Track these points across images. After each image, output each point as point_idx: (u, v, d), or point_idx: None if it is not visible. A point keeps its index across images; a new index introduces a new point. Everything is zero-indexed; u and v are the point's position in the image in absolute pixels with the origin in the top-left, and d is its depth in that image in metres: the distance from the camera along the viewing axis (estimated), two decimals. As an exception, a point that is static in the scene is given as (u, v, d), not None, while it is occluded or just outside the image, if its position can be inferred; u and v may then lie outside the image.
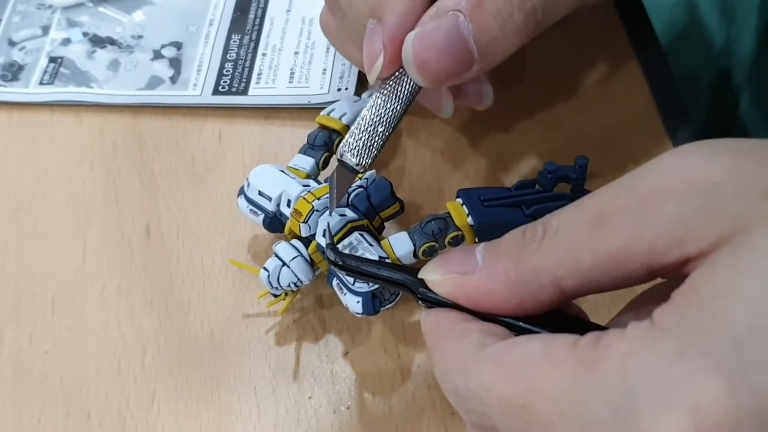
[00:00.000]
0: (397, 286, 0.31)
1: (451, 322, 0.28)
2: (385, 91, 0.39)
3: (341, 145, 0.39)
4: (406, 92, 0.38)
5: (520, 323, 0.27)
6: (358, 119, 0.39)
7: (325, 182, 0.44)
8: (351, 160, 0.39)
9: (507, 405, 0.25)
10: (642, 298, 0.29)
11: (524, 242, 0.27)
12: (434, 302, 0.29)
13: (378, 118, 0.39)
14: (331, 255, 0.33)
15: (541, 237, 0.27)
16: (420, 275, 0.30)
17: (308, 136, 0.47)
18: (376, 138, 0.39)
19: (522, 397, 0.25)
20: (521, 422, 0.25)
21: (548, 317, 0.27)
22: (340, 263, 0.33)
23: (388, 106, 0.38)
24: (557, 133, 0.51)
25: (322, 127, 0.47)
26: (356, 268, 0.32)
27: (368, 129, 0.39)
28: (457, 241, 0.42)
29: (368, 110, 0.39)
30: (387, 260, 0.40)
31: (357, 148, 0.39)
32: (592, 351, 0.24)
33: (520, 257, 0.27)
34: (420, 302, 0.30)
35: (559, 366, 0.24)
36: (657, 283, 0.28)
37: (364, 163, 0.39)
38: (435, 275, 0.29)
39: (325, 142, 0.46)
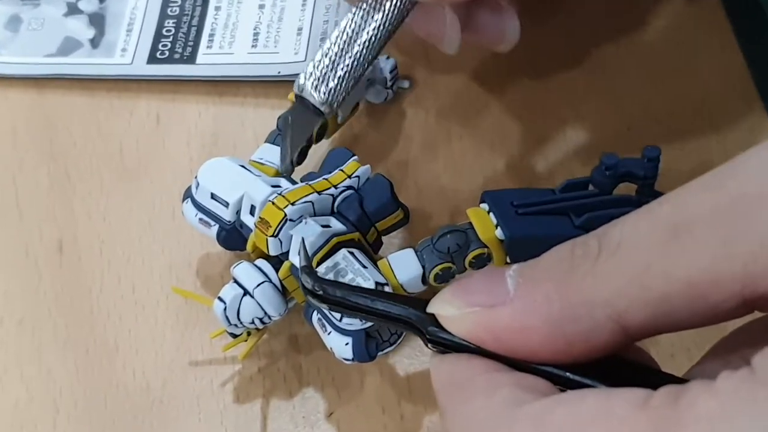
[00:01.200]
0: (398, 324, 0.31)
1: (474, 372, 0.28)
2: (365, 5, 0.38)
3: (301, 76, 0.38)
4: (392, 6, 0.38)
5: (567, 374, 0.27)
6: (327, 43, 0.38)
7: (302, 182, 0.43)
8: (313, 96, 0.38)
9: None
10: (734, 339, 0.29)
11: (573, 262, 0.27)
12: (449, 345, 0.29)
13: (353, 35, 0.38)
14: (307, 282, 0.33)
15: (597, 255, 0.26)
16: (430, 309, 0.29)
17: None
18: (350, 68, 0.38)
19: None
20: None
21: (604, 366, 0.27)
22: (320, 293, 0.32)
23: (368, 25, 0.38)
24: (615, 110, 0.51)
25: (298, 106, 0.47)
26: (342, 300, 0.32)
27: (338, 52, 0.38)
28: (481, 262, 0.41)
29: (340, 31, 0.38)
30: (386, 287, 0.40)
31: (322, 78, 0.38)
32: (670, 412, 0.24)
33: (568, 283, 0.27)
34: (430, 345, 0.30)
35: (625, 431, 0.24)
36: (754, 319, 0.27)
37: (330, 99, 0.38)
38: (450, 308, 0.29)
39: (301, 127, 0.46)
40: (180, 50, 0.54)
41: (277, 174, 0.45)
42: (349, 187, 0.43)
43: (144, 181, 0.50)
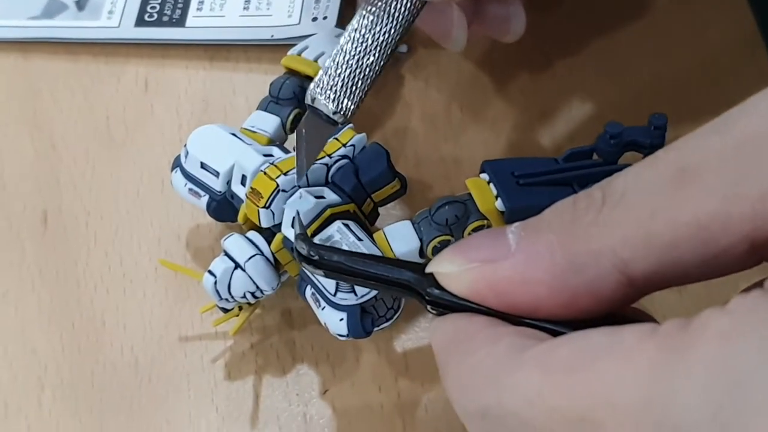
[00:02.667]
0: (397, 289, 0.31)
1: (475, 328, 0.28)
2: (374, 9, 0.38)
3: (312, 85, 0.38)
4: (402, 8, 0.38)
5: (569, 331, 0.27)
6: (337, 49, 0.38)
7: (294, 150, 0.43)
8: (327, 105, 0.38)
9: (560, 420, 0.25)
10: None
11: (576, 214, 0.27)
12: (449, 306, 0.29)
13: (364, 45, 0.38)
14: (302, 248, 0.32)
15: (601, 205, 0.26)
16: (429, 269, 0.29)
17: (271, 85, 0.46)
18: (362, 74, 0.38)
19: (581, 406, 0.24)
20: None
21: (609, 324, 0.26)
22: (315, 259, 0.32)
23: (379, 28, 0.38)
24: (621, 79, 0.50)
25: (291, 72, 0.47)
26: (338, 265, 0.32)
27: (351, 61, 0.38)
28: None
29: (349, 36, 0.38)
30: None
31: (335, 88, 0.38)
32: (680, 335, 0.24)
33: (572, 234, 0.26)
34: (429, 307, 0.30)
35: (634, 358, 0.24)
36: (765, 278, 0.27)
37: (344, 109, 0.38)
38: (450, 266, 0.29)
39: (294, 94, 0.46)
40: (169, 13, 0.53)
41: (270, 142, 0.45)
42: (343, 157, 0.42)
43: (132, 150, 0.50)
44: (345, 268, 0.31)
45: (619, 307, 0.27)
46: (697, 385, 0.23)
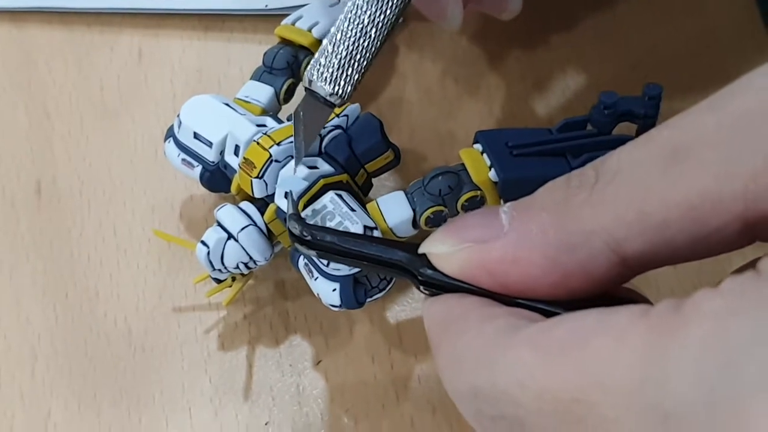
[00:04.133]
0: (389, 269, 0.31)
1: (467, 307, 0.28)
2: None
3: (309, 67, 0.38)
4: None
5: (562, 311, 0.27)
6: (333, 30, 0.38)
7: (288, 120, 0.43)
8: (323, 87, 0.38)
9: (552, 401, 0.25)
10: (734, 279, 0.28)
11: (569, 192, 0.27)
12: (442, 286, 0.29)
13: (360, 27, 0.38)
14: (295, 228, 0.32)
15: (593, 183, 0.26)
16: (422, 249, 0.29)
17: (265, 55, 0.46)
18: (358, 56, 0.38)
19: (573, 387, 0.24)
20: (572, 423, 0.24)
21: (601, 304, 0.26)
22: (308, 239, 0.32)
23: (375, 9, 0.38)
24: (619, 51, 0.50)
25: (285, 42, 0.47)
26: (331, 245, 0.31)
27: (347, 43, 0.38)
28: (474, 205, 0.41)
29: (346, 17, 0.38)
30: (374, 231, 0.39)
31: (331, 70, 0.38)
32: (672, 315, 0.24)
33: (564, 212, 0.26)
34: (421, 288, 0.30)
35: (626, 339, 0.24)
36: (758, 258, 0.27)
37: (341, 91, 0.38)
38: (443, 246, 0.29)
39: (288, 64, 0.46)
40: (163, -18, 0.53)
41: (263, 112, 0.45)
42: (337, 127, 0.42)
43: (125, 120, 0.50)
44: (338, 249, 0.31)
45: (611, 287, 0.27)
46: (690, 366, 0.23)
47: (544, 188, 0.28)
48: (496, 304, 0.28)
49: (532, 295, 0.27)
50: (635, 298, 0.29)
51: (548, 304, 0.27)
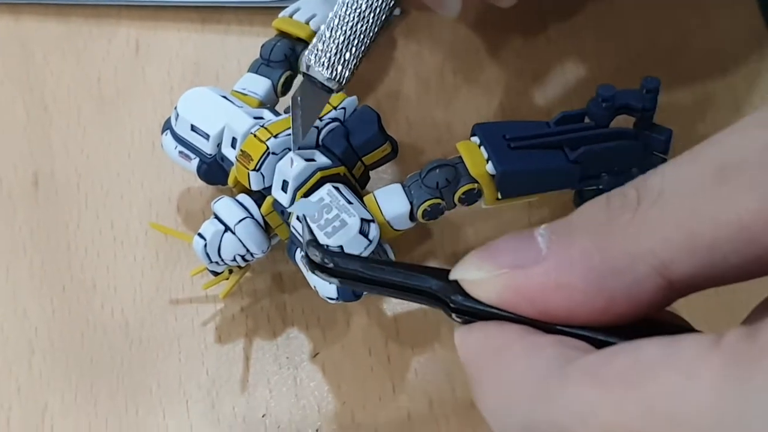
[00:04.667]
0: (419, 297, 0.29)
1: (509, 337, 0.27)
2: None
3: (307, 52, 0.38)
4: None
5: (609, 338, 0.26)
6: (331, 16, 0.38)
7: (286, 113, 0.43)
8: (321, 72, 0.38)
9: None
10: None
11: (610, 213, 0.26)
12: (477, 314, 0.27)
13: (358, 12, 0.38)
14: (315, 255, 0.30)
15: (636, 204, 0.25)
16: (453, 275, 0.28)
17: (262, 47, 0.46)
18: (356, 41, 0.38)
19: (640, 423, 0.23)
20: None
21: (646, 330, 0.25)
22: (330, 266, 0.30)
23: None
24: (619, 43, 0.50)
25: (282, 34, 0.46)
26: (355, 273, 0.29)
27: (344, 28, 0.38)
28: (471, 198, 0.41)
29: (344, 2, 0.38)
30: (371, 224, 0.39)
31: (329, 54, 0.38)
32: (746, 347, 0.23)
33: (608, 235, 0.25)
34: (454, 316, 0.28)
35: (698, 373, 0.23)
36: None
37: (339, 76, 0.38)
38: (478, 272, 0.27)
39: (286, 56, 0.45)
40: (161, -26, 0.53)
41: (261, 105, 0.45)
42: (334, 119, 0.42)
43: (123, 112, 0.50)
44: (362, 276, 0.29)
45: (656, 311, 0.26)
46: None
47: (582, 209, 0.27)
48: (538, 332, 0.27)
49: (574, 321, 0.26)
50: (678, 323, 0.29)
51: (590, 331, 0.26)
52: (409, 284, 0.29)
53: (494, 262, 0.27)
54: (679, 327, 0.28)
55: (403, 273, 0.29)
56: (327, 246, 0.31)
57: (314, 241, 0.32)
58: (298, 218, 0.40)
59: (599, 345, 0.26)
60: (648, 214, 0.25)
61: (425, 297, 0.29)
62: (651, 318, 0.26)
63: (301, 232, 0.40)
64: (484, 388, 0.27)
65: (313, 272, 0.30)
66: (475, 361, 0.28)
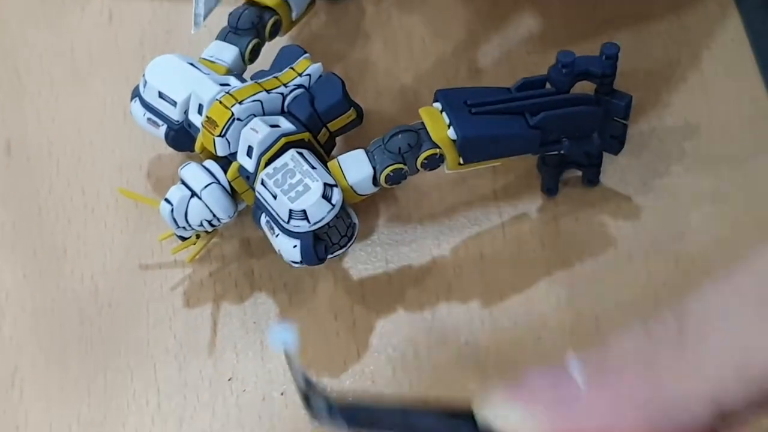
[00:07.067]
0: None
1: None
2: None
3: None
4: None
5: None
6: None
7: (253, 80, 0.43)
8: None
9: None
10: None
11: (654, 347, 0.25)
12: None
13: None
14: (320, 407, 0.28)
15: (678, 335, 0.25)
16: (484, 415, 0.26)
17: (230, 15, 0.46)
18: None
19: None
20: None
21: None
22: (338, 413, 0.27)
23: None
24: (583, 9, 0.50)
25: (250, 2, 0.46)
26: (369, 419, 0.27)
27: None
28: (433, 163, 0.41)
29: None
30: (334, 189, 0.39)
31: None
32: None
33: (657, 373, 0.25)
34: None
35: None
36: None
37: None
38: (510, 411, 0.26)
39: (253, 24, 0.45)
40: (134, -56, 0.53)
41: (228, 72, 0.45)
42: (299, 86, 0.42)
43: (95, 81, 0.50)
44: (378, 423, 0.28)
45: None
46: None
47: (620, 341, 0.26)
48: None
49: None
50: None
51: None
52: (431, 429, 0.27)
53: (527, 398, 0.26)
54: None
55: (422, 416, 0.27)
56: (327, 400, 0.28)
57: (313, 389, 0.29)
58: (248, 154, 0.40)
59: None
60: (697, 351, 0.25)
61: None
62: None
63: (265, 198, 0.40)
64: None
65: (320, 423, 0.28)
66: None
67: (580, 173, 0.45)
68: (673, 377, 0.25)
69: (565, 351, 0.34)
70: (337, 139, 0.44)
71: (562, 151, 0.42)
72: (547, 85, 0.42)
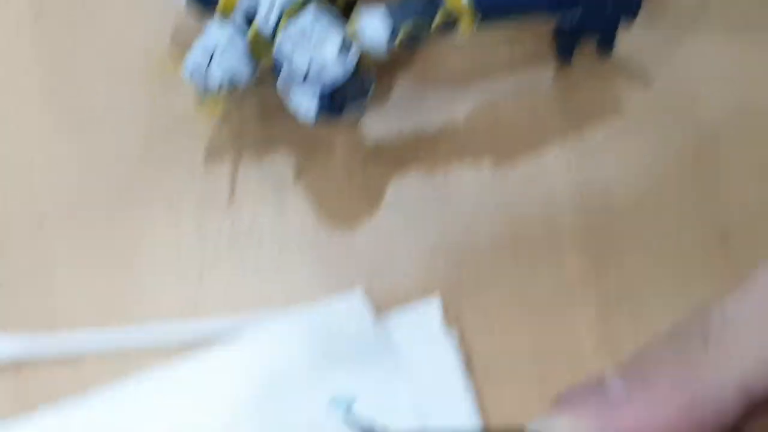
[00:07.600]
0: None
1: None
2: None
3: None
4: None
5: None
6: None
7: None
8: None
9: None
10: None
11: (685, 349, 0.28)
12: None
13: None
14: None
15: (703, 335, 0.27)
16: (533, 428, 0.28)
17: None
18: None
19: None
20: None
21: None
22: None
23: None
24: None
25: None
26: None
27: None
28: (448, 27, 0.41)
29: None
30: (351, 44, 0.40)
31: None
32: None
33: (693, 369, 0.27)
34: None
35: None
36: None
37: None
38: (561, 420, 0.28)
39: None
40: None
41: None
42: (321, -53, 0.43)
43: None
44: None
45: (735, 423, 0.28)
46: None
47: (648, 355, 0.29)
48: None
49: None
50: None
51: None
52: None
53: (574, 408, 0.28)
54: None
55: None
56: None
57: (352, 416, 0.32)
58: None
59: None
60: (723, 346, 0.27)
61: None
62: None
63: (284, 55, 0.41)
64: None
65: None
66: None
67: (595, 45, 0.45)
68: (707, 369, 0.27)
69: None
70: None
71: (577, 15, 0.42)
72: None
